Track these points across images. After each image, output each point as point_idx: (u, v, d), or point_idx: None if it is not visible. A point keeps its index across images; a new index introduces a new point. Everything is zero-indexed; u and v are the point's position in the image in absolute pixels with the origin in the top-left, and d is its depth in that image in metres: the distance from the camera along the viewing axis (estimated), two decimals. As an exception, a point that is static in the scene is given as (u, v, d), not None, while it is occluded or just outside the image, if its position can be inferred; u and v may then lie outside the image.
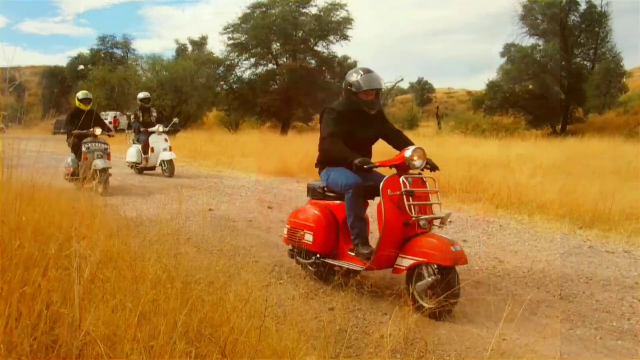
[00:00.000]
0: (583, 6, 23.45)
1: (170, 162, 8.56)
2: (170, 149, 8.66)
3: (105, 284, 1.90)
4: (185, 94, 23.82)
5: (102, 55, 34.82)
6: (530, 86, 23.72)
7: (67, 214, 2.45)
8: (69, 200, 2.87)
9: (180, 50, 33.10)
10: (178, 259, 2.37)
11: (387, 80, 31.93)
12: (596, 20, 23.42)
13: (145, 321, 1.71)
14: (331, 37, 26.99)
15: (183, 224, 3.72)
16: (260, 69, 27.69)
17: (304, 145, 11.71)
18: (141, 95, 9.23)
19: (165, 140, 8.72)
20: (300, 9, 26.52)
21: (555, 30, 23.19)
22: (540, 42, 23.98)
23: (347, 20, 26.52)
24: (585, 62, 24.72)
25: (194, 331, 1.72)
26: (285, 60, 27.31)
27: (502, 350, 2.16)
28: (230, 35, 26.55)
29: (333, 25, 26.56)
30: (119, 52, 35.63)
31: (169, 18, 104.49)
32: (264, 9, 26.21)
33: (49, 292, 1.71)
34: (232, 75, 27.57)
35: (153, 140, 8.69)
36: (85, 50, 36.49)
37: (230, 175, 9.03)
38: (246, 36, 26.35)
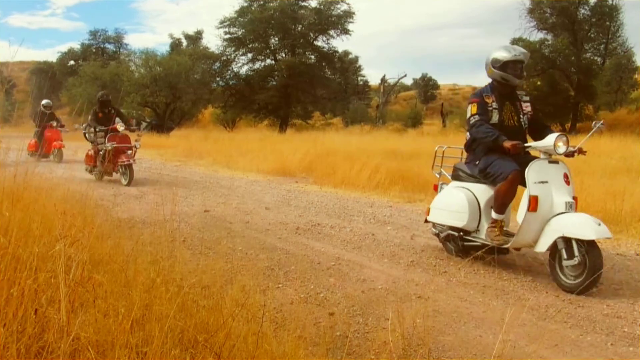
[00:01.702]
0: (593, -1, 23.06)
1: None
2: (575, 202, 3.09)
3: (97, 287, 1.85)
4: (180, 91, 23.16)
5: (94, 50, 34.33)
6: (539, 82, 23.37)
7: (58, 215, 2.40)
8: (61, 202, 2.82)
9: (175, 45, 32.43)
10: (172, 262, 2.31)
11: (389, 76, 31.81)
12: (607, 14, 22.96)
13: (138, 326, 1.67)
14: (331, 32, 26.44)
15: (177, 225, 3.66)
16: (257, 65, 27.13)
17: (303, 144, 11.65)
18: (502, 54, 3.30)
19: (567, 179, 3.16)
20: (300, 2, 26.05)
21: (564, 24, 22.81)
22: (549, 37, 23.59)
23: (348, 14, 25.99)
24: (595, 58, 24.20)
25: (188, 337, 1.69)
26: (283, 55, 26.76)
27: (509, 357, 2.09)
28: (226, 29, 26.00)
29: (333, 19, 26.03)
30: (111, 47, 35.09)
31: (163, 11, 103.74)
32: (261, 2, 25.63)
33: (38, 295, 1.66)
34: (229, 71, 27.03)
35: (541, 175, 3.10)
36: (76, 45, 35.66)
37: (227, 175, 8.96)
38: (243, 30, 25.76)
